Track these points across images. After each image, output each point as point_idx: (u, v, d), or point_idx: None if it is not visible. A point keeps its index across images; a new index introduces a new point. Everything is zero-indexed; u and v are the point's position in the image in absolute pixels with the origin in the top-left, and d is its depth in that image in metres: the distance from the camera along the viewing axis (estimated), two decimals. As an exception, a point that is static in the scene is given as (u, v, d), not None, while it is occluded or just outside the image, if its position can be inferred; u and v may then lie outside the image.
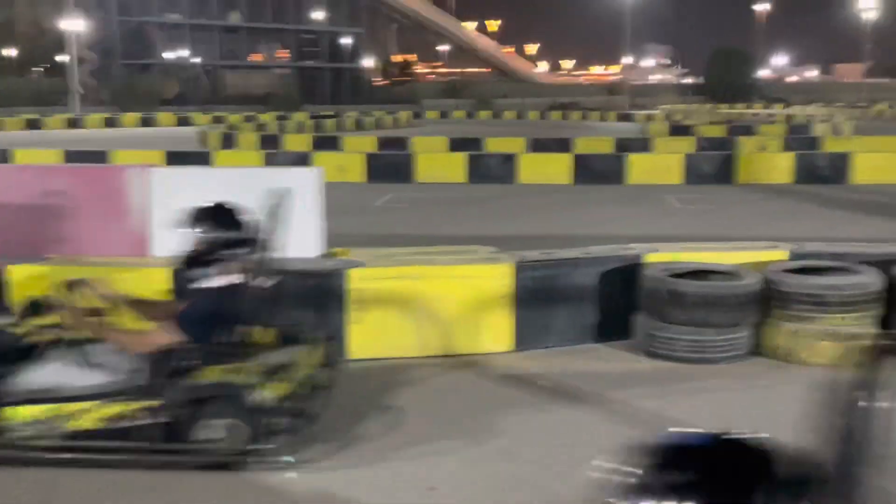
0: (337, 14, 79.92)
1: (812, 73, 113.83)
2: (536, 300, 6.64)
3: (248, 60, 76.06)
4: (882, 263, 6.58)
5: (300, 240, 6.22)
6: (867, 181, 17.11)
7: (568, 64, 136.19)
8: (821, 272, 6.44)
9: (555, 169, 18.14)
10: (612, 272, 6.80)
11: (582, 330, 6.79)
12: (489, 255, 6.94)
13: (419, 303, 6.42)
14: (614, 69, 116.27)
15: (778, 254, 6.89)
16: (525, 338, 6.64)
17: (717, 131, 29.39)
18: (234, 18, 73.74)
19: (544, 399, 5.70)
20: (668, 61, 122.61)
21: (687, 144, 22.79)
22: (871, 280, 6.31)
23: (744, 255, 6.90)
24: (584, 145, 22.65)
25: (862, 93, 65.61)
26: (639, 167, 17.98)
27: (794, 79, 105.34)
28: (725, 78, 60.93)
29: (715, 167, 18.02)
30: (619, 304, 6.74)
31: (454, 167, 18.57)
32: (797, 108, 41.12)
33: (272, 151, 21.70)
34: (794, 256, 6.86)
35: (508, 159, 18.66)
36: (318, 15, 78.57)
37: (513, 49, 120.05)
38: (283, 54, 78.93)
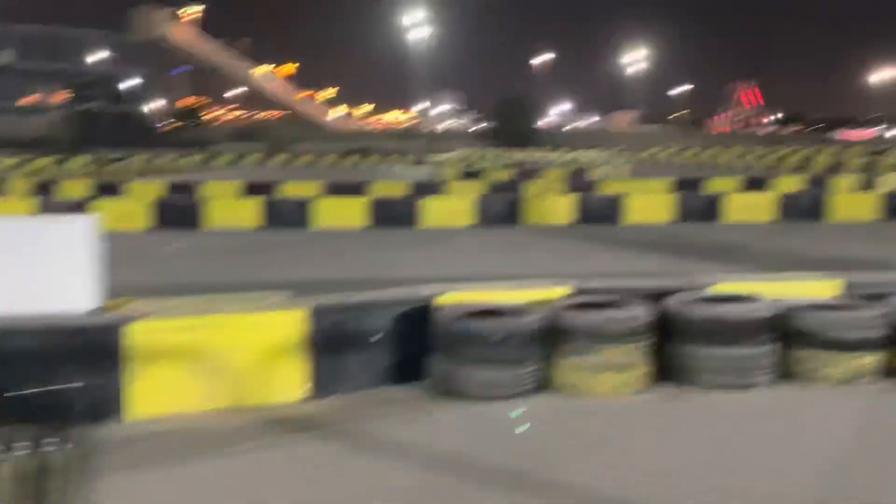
0: (121, 55, 76.57)
1: (591, 121, 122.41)
2: (332, 346, 6.56)
3: (20, 103, 70.97)
4: (654, 296, 7.08)
5: (71, 293, 5.79)
6: (639, 221, 18.50)
7: (367, 108, 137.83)
8: (599, 307, 6.81)
9: (351, 213, 18.20)
10: (407, 314, 6.86)
11: (379, 373, 6.77)
12: (282, 301, 6.78)
13: (208, 355, 6.14)
14: (409, 115, 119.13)
15: (561, 291, 7.22)
16: (322, 385, 6.52)
17: (507, 175, 30.69)
18: (5, 58, 68.73)
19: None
20: (462, 107, 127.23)
21: (478, 188, 23.60)
22: (644, 313, 6.75)
23: (530, 294, 7.16)
24: (379, 189, 22.89)
25: (633, 139, 71.17)
26: (433, 210, 18.41)
27: (574, 125, 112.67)
28: (511, 124, 63.98)
29: (504, 209, 18.80)
30: (414, 345, 6.79)
31: (247, 213, 18.15)
32: (579, 153, 43.84)
33: (47, 199, 20.21)
34: (576, 293, 7.22)
35: (304, 204, 18.51)
36: (100, 56, 74.89)
37: (312, 92, 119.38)
38: (62, 96, 74.33)
